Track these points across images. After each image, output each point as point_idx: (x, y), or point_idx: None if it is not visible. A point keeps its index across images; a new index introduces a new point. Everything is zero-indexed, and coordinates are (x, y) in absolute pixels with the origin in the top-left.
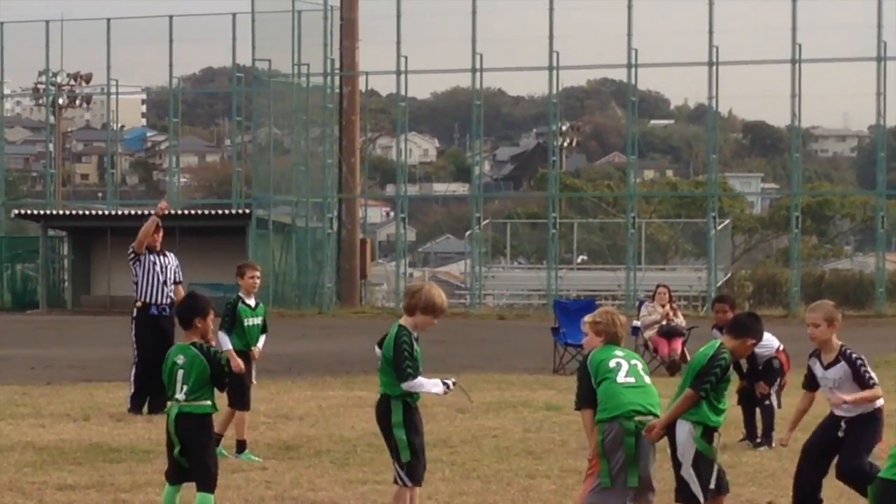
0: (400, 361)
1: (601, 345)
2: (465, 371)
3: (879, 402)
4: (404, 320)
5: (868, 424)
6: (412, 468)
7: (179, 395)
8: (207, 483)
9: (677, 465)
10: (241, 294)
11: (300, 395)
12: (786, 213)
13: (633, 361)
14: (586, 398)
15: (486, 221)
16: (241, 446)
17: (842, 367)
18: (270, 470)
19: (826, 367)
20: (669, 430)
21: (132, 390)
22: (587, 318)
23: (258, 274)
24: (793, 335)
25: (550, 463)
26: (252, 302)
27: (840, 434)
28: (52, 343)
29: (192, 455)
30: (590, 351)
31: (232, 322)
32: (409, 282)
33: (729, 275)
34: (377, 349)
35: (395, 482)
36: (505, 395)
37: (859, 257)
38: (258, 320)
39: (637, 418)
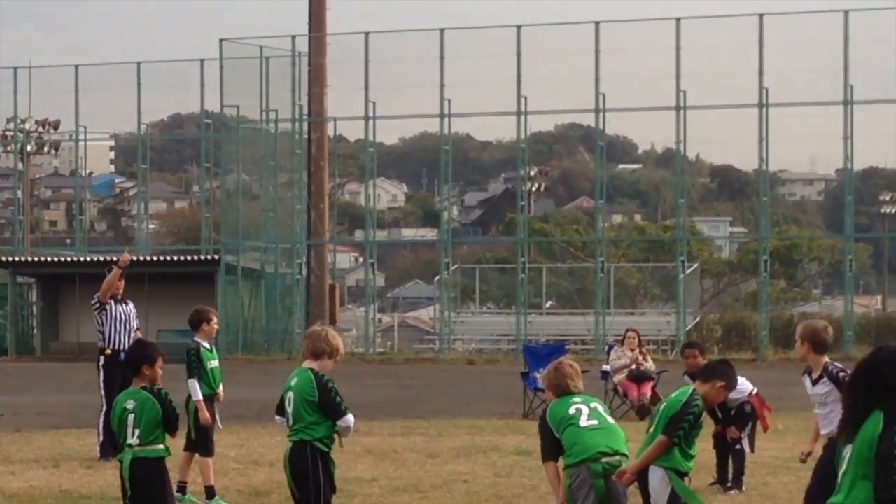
0: (332, 398)
1: (555, 398)
2: (435, 416)
3: None
4: (309, 364)
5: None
6: None
7: (132, 441)
8: None
9: None
10: (198, 339)
11: (270, 440)
12: (754, 257)
13: (593, 405)
14: (550, 451)
15: (455, 266)
16: (209, 492)
17: (826, 383)
18: None
19: (814, 384)
20: (641, 476)
21: (101, 438)
22: (539, 376)
23: (215, 321)
24: (762, 379)
25: None
26: (208, 344)
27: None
28: (21, 390)
29: (145, 502)
30: (548, 403)
31: (199, 368)
32: (378, 327)
33: (698, 319)
34: (277, 418)
35: None
36: (475, 440)
37: (828, 300)
38: (216, 363)
39: (604, 460)
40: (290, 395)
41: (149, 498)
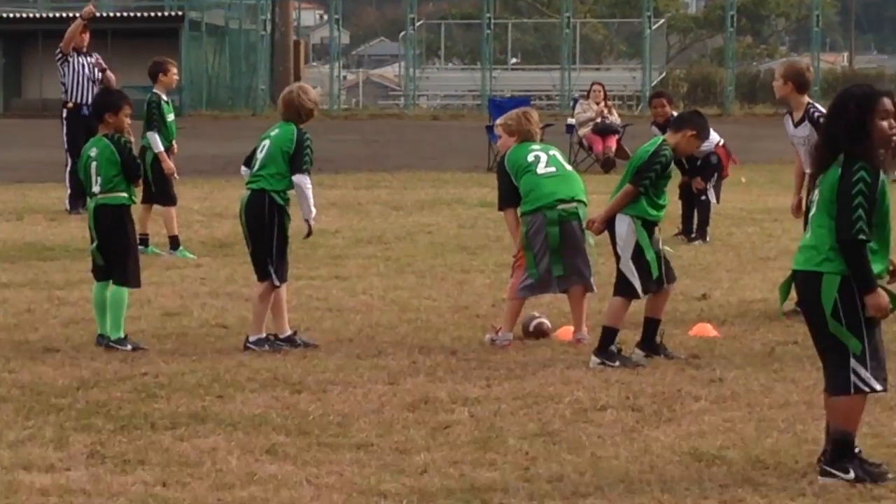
0: (303, 152)
1: (515, 144)
2: (399, 170)
3: None
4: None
5: None
6: (281, 266)
7: (95, 189)
8: (123, 277)
9: (617, 258)
10: (157, 91)
11: (234, 193)
12: (721, 13)
13: (552, 152)
14: (507, 198)
15: (420, 23)
16: (173, 243)
17: (807, 126)
18: (205, 267)
19: (795, 125)
20: (610, 224)
21: (69, 190)
22: (499, 120)
23: (176, 70)
24: (728, 133)
25: (484, 258)
26: (167, 97)
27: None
28: None
29: (109, 249)
30: (506, 151)
31: (160, 121)
32: (343, 84)
33: (663, 74)
34: (243, 169)
35: (263, 280)
36: (439, 193)
37: (794, 57)
38: (173, 116)
39: (560, 207)
40: (266, 142)
41: (113, 244)
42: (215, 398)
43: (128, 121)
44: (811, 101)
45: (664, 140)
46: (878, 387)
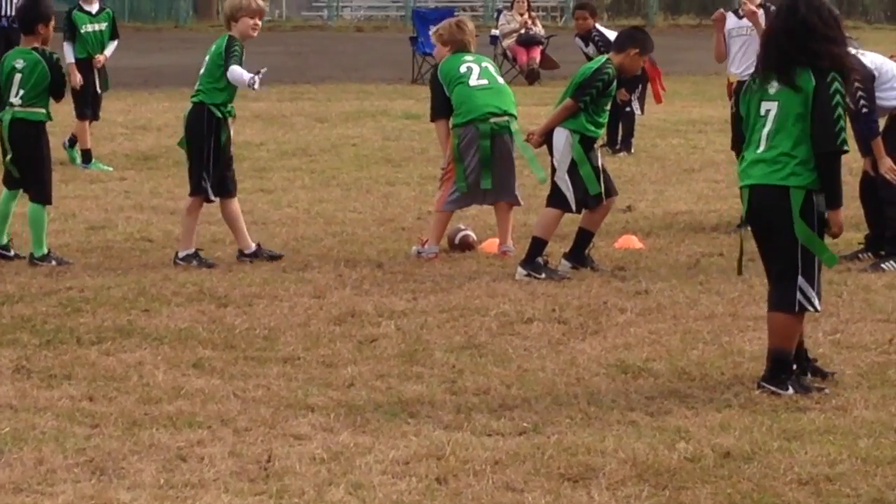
0: (230, 52)
1: (449, 54)
2: (323, 82)
3: None
4: (230, 31)
5: None
6: (217, 181)
7: (15, 100)
8: (41, 194)
9: (553, 171)
10: (80, 2)
11: (158, 106)
12: None
13: (484, 64)
14: (440, 109)
15: None
16: (86, 156)
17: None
18: (129, 180)
19: (740, 18)
20: (548, 137)
21: None
22: (433, 28)
23: None
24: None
25: (409, 170)
26: (93, 8)
27: None
28: None
29: (26, 165)
30: (439, 61)
31: (72, 32)
32: None
33: None
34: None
35: (194, 194)
36: (364, 105)
37: None
38: (100, 26)
39: (493, 120)
40: (206, 58)
41: (28, 159)
42: (141, 312)
43: (52, 33)
44: None
45: (608, 59)
46: (819, 306)
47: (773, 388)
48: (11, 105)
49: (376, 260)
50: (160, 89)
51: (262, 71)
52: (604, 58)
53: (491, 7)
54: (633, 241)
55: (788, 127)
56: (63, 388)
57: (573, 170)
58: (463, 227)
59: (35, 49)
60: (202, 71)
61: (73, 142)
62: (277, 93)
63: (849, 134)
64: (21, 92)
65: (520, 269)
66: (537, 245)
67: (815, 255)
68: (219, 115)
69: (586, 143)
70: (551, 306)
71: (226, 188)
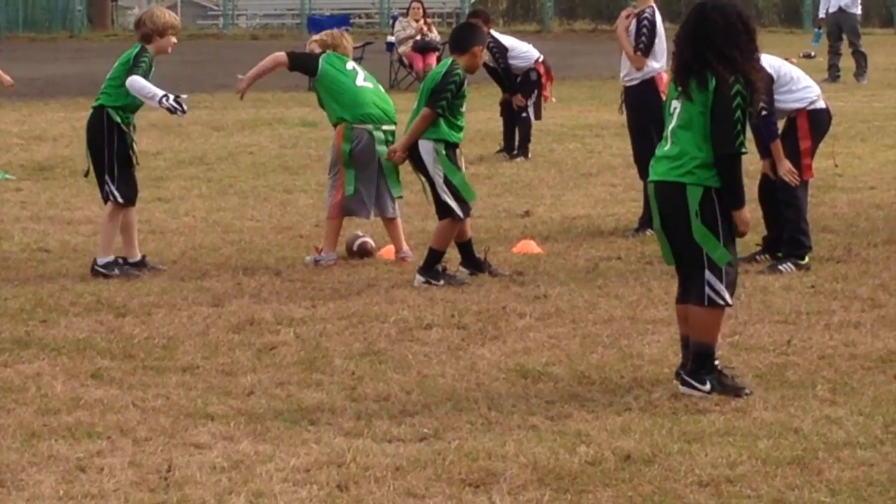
0: (138, 61)
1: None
2: (219, 91)
3: (647, 74)
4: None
5: (636, 96)
6: (124, 186)
7: None
8: None
9: (431, 184)
10: None
11: (53, 116)
12: None
13: (365, 73)
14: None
15: None
16: None
17: (634, 24)
18: (25, 191)
19: (627, 17)
20: (413, 151)
21: None
22: (315, 36)
23: None
24: (547, 50)
25: (307, 178)
26: None
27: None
28: None
29: None
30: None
31: None
32: (161, 5)
33: None
34: None
35: (107, 200)
36: (260, 113)
37: None
38: None
39: (384, 128)
40: (115, 65)
41: None
42: (39, 323)
43: None
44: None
45: (454, 60)
46: (731, 301)
47: (692, 383)
48: None
49: (275, 268)
50: (55, 99)
51: (184, 97)
52: (449, 60)
53: (386, 14)
54: (531, 246)
55: (692, 126)
56: None
57: (448, 179)
58: (360, 233)
59: None
60: (108, 76)
61: None
62: None
63: (748, 137)
64: None
65: (418, 276)
66: (434, 255)
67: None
68: (118, 119)
69: (450, 149)
70: (450, 312)
71: (129, 195)
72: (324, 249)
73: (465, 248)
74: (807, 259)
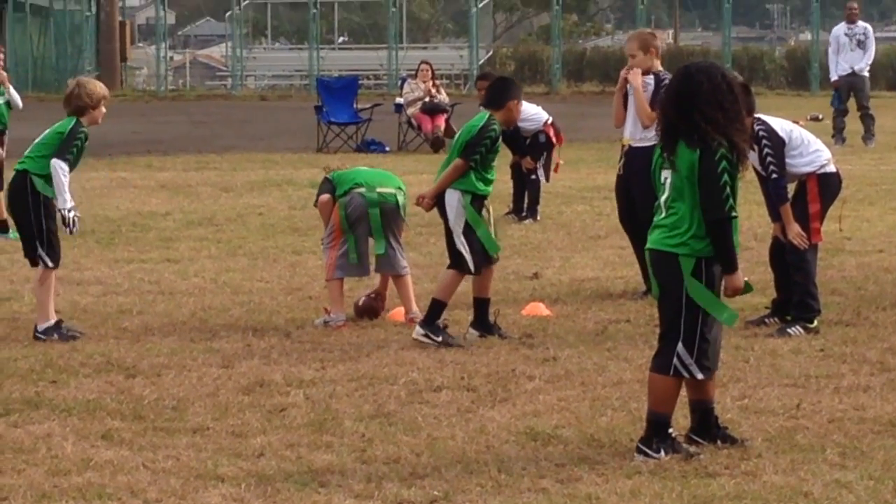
0: (69, 143)
1: None
2: (228, 152)
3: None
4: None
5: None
6: (52, 249)
7: None
8: None
9: (449, 234)
10: None
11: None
12: None
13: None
14: (324, 191)
15: (247, 2)
16: (2, 227)
17: (651, 81)
18: None
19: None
20: (439, 199)
21: None
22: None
23: (3, 56)
24: (555, 112)
25: (316, 239)
26: None
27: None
28: None
29: None
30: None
31: None
32: (169, 65)
33: (491, 53)
34: None
35: (36, 265)
36: (269, 174)
37: (619, 34)
38: (3, 99)
39: (379, 190)
40: (46, 131)
41: None
42: (49, 384)
43: None
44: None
45: (491, 115)
46: (700, 375)
47: (646, 451)
48: None
49: (284, 329)
50: None
51: (78, 217)
52: (486, 114)
53: (395, 75)
54: (540, 309)
55: (684, 195)
56: None
57: (468, 231)
58: (367, 291)
59: None
60: (37, 140)
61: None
62: (182, 162)
63: (759, 200)
64: None
65: (418, 329)
66: (436, 306)
67: (702, 324)
68: (40, 190)
69: (477, 202)
70: (460, 374)
71: (56, 258)
72: (332, 311)
73: (481, 307)
74: (816, 322)
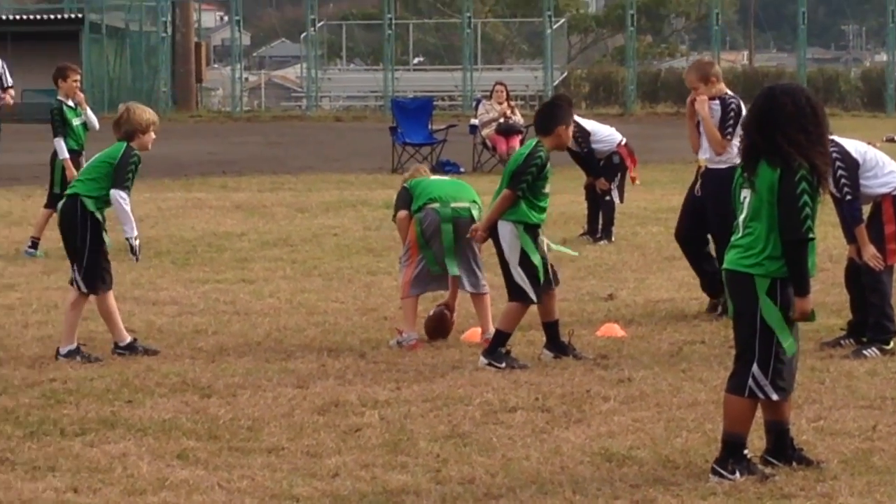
0: (124, 170)
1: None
2: (303, 172)
3: (726, 163)
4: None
5: (721, 182)
6: (90, 276)
7: None
8: None
9: (505, 265)
10: (60, 98)
11: (139, 197)
12: (621, 12)
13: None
14: (402, 206)
15: (322, 23)
16: (35, 243)
17: (717, 107)
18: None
19: (696, 100)
20: (493, 232)
21: None
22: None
23: (79, 77)
24: (630, 133)
25: (391, 260)
26: (71, 103)
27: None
28: None
29: None
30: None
31: (64, 127)
32: (244, 86)
33: (565, 74)
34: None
35: (72, 284)
36: (344, 195)
37: (694, 55)
38: (80, 120)
39: (453, 205)
40: (97, 155)
41: None
42: (124, 403)
43: None
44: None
45: (539, 142)
46: (775, 396)
47: (721, 472)
48: None
49: (359, 349)
50: (140, 180)
51: (139, 245)
52: (534, 141)
53: (469, 96)
54: (614, 330)
55: (762, 215)
56: (47, 479)
57: (525, 260)
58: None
59: None
60: (87, 164)
61: (35, 245)
62: (258, 183)
63: (834, 221)
64: None
65: (482, 359)
66: (500, 337)
67: (776, 345)
68: (91, 208)
69: (531, 231)
70: (535, 395)
71: (103, 282)
72: (404, 330)
73: (551, 329)
74: (892, 344)
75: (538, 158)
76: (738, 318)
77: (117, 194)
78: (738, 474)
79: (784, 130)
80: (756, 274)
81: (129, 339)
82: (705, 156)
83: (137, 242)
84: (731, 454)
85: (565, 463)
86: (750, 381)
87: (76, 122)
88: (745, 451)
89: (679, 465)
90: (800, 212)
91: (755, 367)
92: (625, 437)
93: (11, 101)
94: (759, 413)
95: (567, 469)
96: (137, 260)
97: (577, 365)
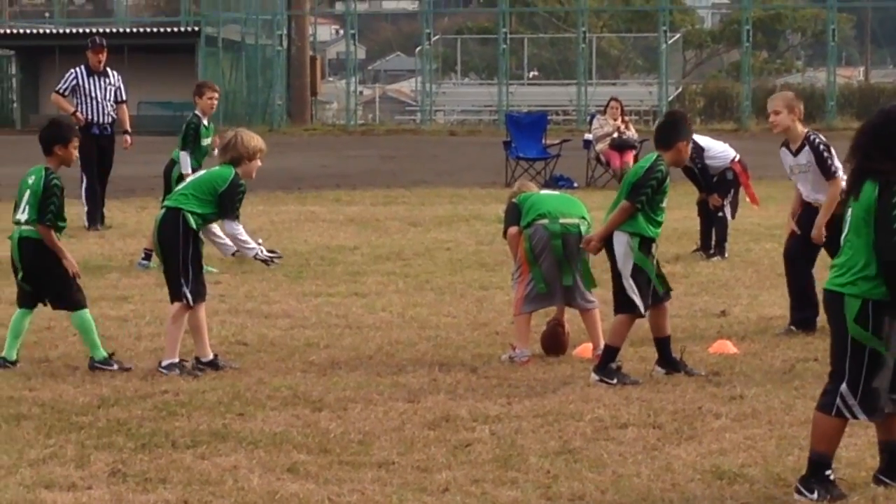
0: (233, 200)
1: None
2: (416, 186)
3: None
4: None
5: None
6: (196, 286)
7: (20, 216)
8: (69, 304)
9: (617, 276)
10: (198, 113)
11: (253, 210)
12: (737, 28)
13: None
14: (512, 222)
15: (437, 37)
16: (148, 254)
17: (807, 152)
18: (224, 284)
19: (795, 154)
20: (607, 243)
21: (86, 208)
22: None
23: (217, 95)
24: (744, 149)
25: (503, 275)
26: (206, 121)
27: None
28: (1, 162)
29: (37, 281)
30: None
31: (194, 143)
32: (359, 100)
33: (680, 89)
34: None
35: (176, 300)
36: (457, 209)
37: (810, 71)
38: (209, 140)
39: (562, 221)
40: (201, 171)
41: (40, 276)
42: (236, 416)
43: (75, 152)
44: (809, 130)
45: (659, 156)
46: (862, 417)
47: (802, 491)
48: (18, 222)
49: (470, 364)
50: (254, 193)
51: (277, 254)
52: (654, 155)
53: (583, 111)
54: (727, 346)
55: (860, 233)
56: (158, 492)
57: (637, 273)
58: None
59: (46, 168)
60: (189, 179)
61: (149, 256)
62: (371, 196)
63: None
64: (27, 208)
65: (593, 375)
66: (609, 352)
67: (868, 366)
68: (193, 225)
69: (646, 244)
70: (646, 411)
71: (199, 293)
72: (517, 346)
73: (663, 345)
74: None
75: (658, 172)
76: (833, 337)
77: (232, 227)
78: (816, 494)
79: (888, 153)
80: (847, 294)
81: (211, 355)
82: (813, 198)
83: (264, 254)
84: (814, 473)
85: (676, 480)
86: (838, 401)
87: (205, 141)
88: (828, 472)
89: (790, 484)
90: (895, 233)
91: (843, 387)
92: (736, 455)
93: (128, 144)
94: (872, 431)
95: (678, 486)
96: (278, 259)
97: (688, 381)
